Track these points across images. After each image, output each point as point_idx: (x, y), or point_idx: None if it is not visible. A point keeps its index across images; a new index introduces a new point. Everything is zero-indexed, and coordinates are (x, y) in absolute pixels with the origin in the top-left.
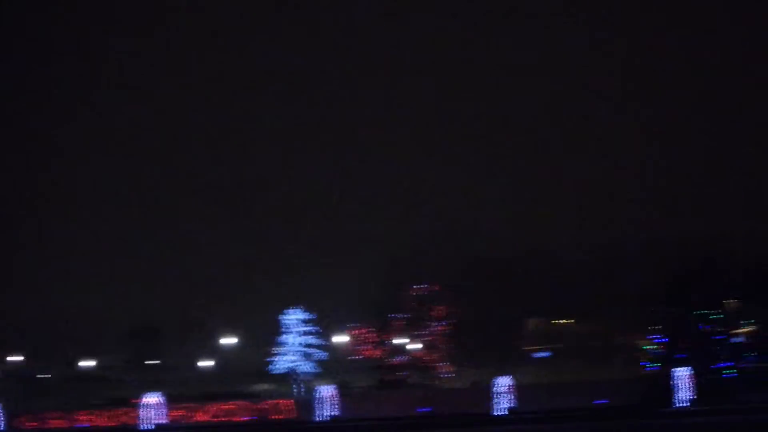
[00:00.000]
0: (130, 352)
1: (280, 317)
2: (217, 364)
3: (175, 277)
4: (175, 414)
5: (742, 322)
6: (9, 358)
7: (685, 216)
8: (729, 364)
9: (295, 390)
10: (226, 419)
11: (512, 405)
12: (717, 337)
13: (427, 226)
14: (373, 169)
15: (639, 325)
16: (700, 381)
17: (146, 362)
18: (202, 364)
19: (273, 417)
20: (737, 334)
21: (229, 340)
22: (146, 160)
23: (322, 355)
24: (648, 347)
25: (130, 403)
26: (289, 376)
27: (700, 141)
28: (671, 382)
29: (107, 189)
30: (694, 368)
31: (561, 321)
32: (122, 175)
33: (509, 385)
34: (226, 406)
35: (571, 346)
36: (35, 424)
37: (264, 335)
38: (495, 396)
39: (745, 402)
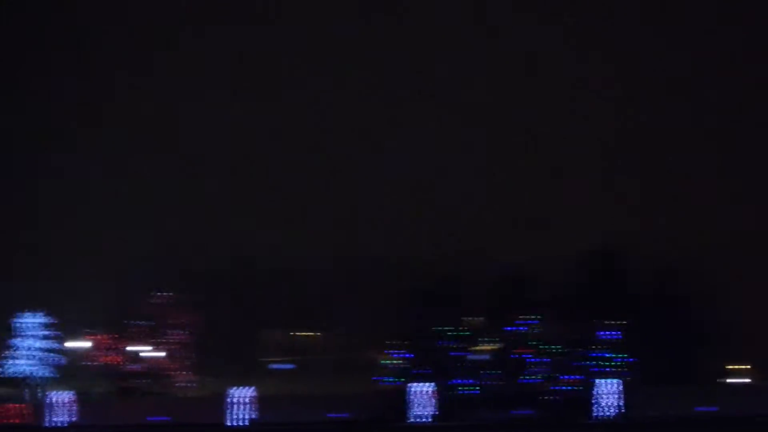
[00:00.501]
0: None
1: (15, 320)
2: None
3: None
4: None
5: (484, 339)
6: None
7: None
8: (469, 381)
9: (29, 394)
10: None
11: (253, 416)
12: (457, 354)
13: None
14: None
15: (381, 340)
16: (439, 397)
17: None
18: None
19: (7, 421)
20: (479, 352)
21: None
22: None
23: (59, 360)
24: (388, 362)
25: None
26: (24, 380)
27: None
28: (409, 397)
29: None
30: (434, 384)
31: (304, 333)
32: None
33: (251, 396)
34: None
35: (313, 359)
36: None
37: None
38: (231, 406)
39: (483, 419)
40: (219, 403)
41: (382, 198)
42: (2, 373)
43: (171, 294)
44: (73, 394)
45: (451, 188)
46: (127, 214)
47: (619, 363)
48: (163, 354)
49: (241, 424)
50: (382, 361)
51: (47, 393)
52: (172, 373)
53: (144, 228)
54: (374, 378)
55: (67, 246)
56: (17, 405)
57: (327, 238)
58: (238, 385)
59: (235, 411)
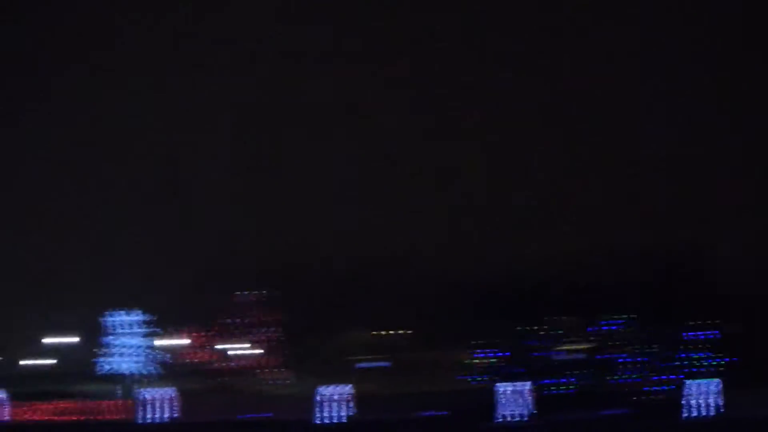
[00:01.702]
0: None
1: (111, 318)
2: (50, 363)
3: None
4: (10, 412)
5: (574, 338)
6: None
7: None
8: (559, 380)
9: (125, 391)
10: (59, 418)
11: (346, 413)
12: (547, 353)
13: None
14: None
15: (467, 339)
16: (530, 396)
17: None
18: (34, 362)
19: (106, 417)
20: (570, 351)
21: (61, 340)
22: None
23: (154, 357)
24: (476, 361)
25: None
26: (122, 377)
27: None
28: (498, 397)
29: None
30: (524, 383)
31: (390, 332)
32: None
33: (343, 394)
34: (60, 405)
35: (401, 358)
36: None
37: (96, 336)
38: (321, 404)
39: (574, 419)
40: (309, 401)
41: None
42: (99, 371)
43: (260, 292)
44: (168, 391)
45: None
46: (209, 213)
47: (714, 363)
48: (253, 352)
49: (333, 421)
50: (470, 361)
51: (142, 390)
52: (263, 370)
53: (230, 226)
54: (461, 377)
55: (154, 245)
56: (113, 402)
57: (406, 237)
58: (327, 383)
59: (326, 409)
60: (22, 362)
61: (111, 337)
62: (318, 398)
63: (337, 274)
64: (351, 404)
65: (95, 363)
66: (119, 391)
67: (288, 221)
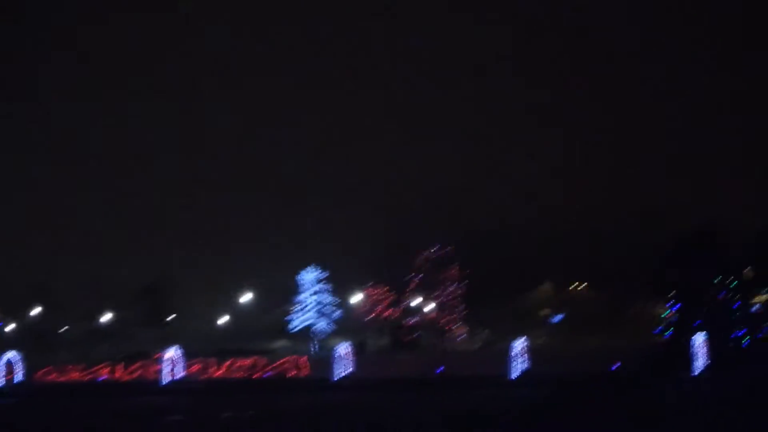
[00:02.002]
0: (146, 308)
1: (298, 276)
2: (233, 320)
3: (190, 236)
4: (193, 369)
5: (757, 290)
6: (27, 313)
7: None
8: (745, 332)
9: (311, 348)
10: (243, 375)
11: (526, 368)
12: (733, 305)
13: (431, 188)
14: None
15: (653, 292)
16: (716, 348)
17: (162, 317)
18: (218, 320)
19: (289, 374)
20: (753, 303)
21: (245, 298)
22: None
23: (337, 313)
24: (663, 314)
25: (148, 357)
26: (306, 333)
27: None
28: (686, 349)
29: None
30: (710, 335)
31: (573, 286)
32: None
33: (523, 348)
34: (243, 362)
35: (582, 312)
36: (54, 376)
37: (279, 293)
38: (511, 358)
39: (759, 370)
40: (491, 356)
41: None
42: (289, 327)
43: (442, 247)
44: (351, 347)
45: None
46: (394, 166)
47: None
48: (435, 307)
49: (514, 375)
50: (658, 313)
51: (328, 346)
52: (446, 326)
53: (411, 182)
54: (650, 331)
55: (333, 198)
56: (296, 357)
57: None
58: (509, 338)
59: (516, 363)
60: (204, 320)
61: (299, 295)
62: (510, 353)
63: (519, 228)
64: (540, 358)
65: (281, 320)
66: (312, 348)
67: (471, 176)
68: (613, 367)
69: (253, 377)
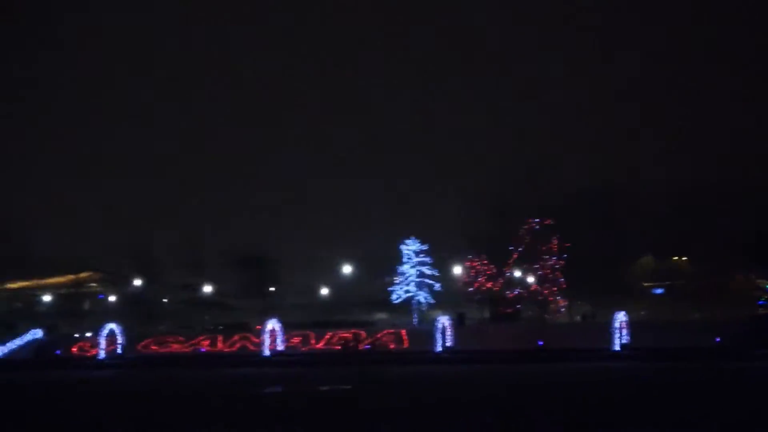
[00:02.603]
0: (246, 279)
1: (400, 246)
2: (332, 292)
3: (286, 207)
4: (293, 341)
5: None
6: (128, 283)
7: None
8: None
9: (413, 320)
10: (343, 347)
11: (626, 341)
12: None
13: (525, 156)
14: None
15: (755, 263)
16: None
17: (262, 289)
18: (319, 292)
19: (389, 346)
20: None
21: (345, 270)
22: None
23: (437, 285)
24: (766, 285)
25: (248, 328)
26: (406, 306)
27: None
28: None
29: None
30: None
31: (674, 258)
32: None
33: (623, 321)
34: (343, 334)
35: (684, 284)
36: (156, 347)
37: (379, 265)
38: (613, 331)
39: None
40: (591, 329)
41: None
42: (389, 299)
43: (542, 220)
44: (450, 319)
45: None
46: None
47: None
48: (536, 279)
49: (628, 347)
50: (763, 285)
51: (429, 318)
52: (547, 298)
53: (511, 153)
54: (754, 302)
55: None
56: (396, 329)
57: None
58: (610, 310)
59: (612, 336)
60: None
61: (399, 267)
62: (611, 325)
63: (620, 199)
64: (642, 331)
65: (380, 292)
66: (413, 320)
67: (574, 149)
68: (717, 340)
69: (355, 348)
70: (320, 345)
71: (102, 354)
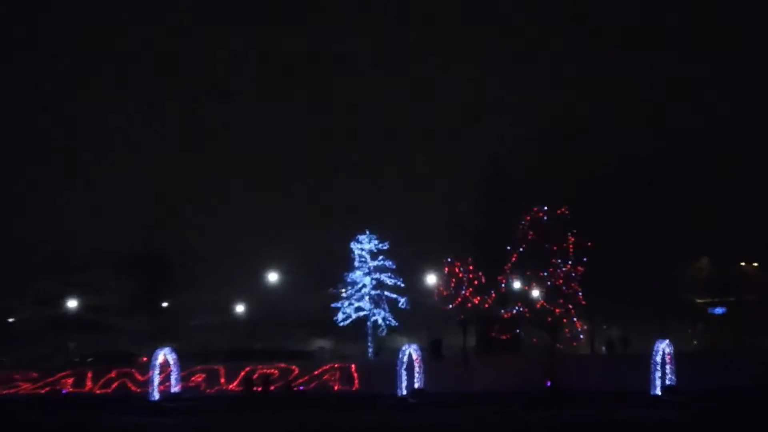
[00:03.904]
0: (132, 290)
1: (351, 245)
2: (253, 309)
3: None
4: (195, 379)
5: None
6: None
7: None
8: None
9: (367, 350)
10: (264, 388)
11: (671, 382)
12: None
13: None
14: None
15: None
16: None
17: (155, 304)
18: (233, 308)
19: (333, 387)
20: None
21: (272, 277)
22: None
23: (402, 301)
24: None
25: (131, 360)
26: (358, 329)
27: None
28: None
29: None
30: None
31: (740, 264)
32: None
33: (667, 353)
34: (267, 370)
35: (755, 300)
36: None
37: (323, 271)
38: (653, 366)
39: None
40: (622, 363)
41: None
42: (333, 320)
43: (552, 209)
44: (419, 349)
45: None
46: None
47: None
48: (541, 293)
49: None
50: None
51: (385, 348)
52: (560, 320)
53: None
54: None
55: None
56: (343, 364)
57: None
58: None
59: (652, 373)
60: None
61: (348, 274)
62: (651, 359)
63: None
64: (693, 366)
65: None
66: (370, 348)
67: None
68: None
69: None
70: (233, 386)
71: None
